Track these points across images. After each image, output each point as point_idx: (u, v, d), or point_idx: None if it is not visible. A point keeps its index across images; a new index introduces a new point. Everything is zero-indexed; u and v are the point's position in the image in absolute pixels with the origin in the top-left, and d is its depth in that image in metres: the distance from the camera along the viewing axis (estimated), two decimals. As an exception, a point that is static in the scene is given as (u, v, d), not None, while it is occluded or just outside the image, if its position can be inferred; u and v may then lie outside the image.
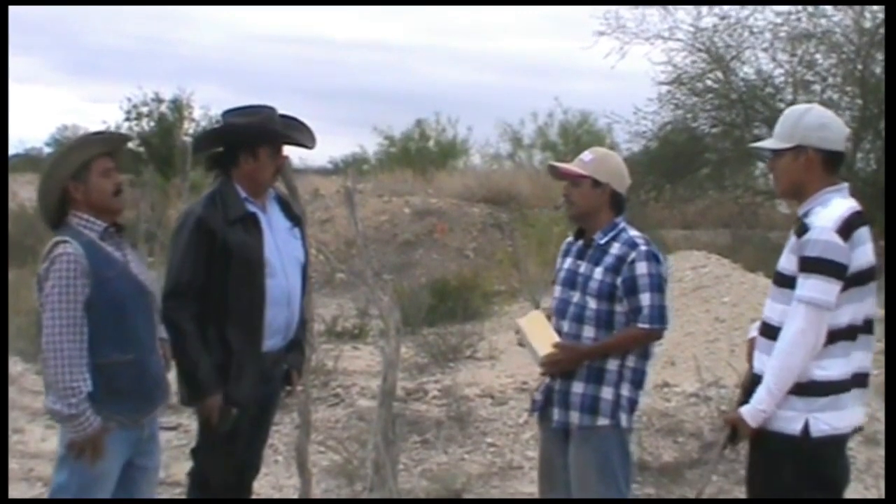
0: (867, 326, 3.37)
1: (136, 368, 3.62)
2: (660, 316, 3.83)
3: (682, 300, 9.42)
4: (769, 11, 14.12)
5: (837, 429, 3.32)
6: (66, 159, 3.62)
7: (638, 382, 3.91)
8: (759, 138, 3.29)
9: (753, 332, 3.59)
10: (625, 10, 14.68)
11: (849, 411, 3.35)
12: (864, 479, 5.93)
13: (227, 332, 3.97)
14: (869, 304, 3.37)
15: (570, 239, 4.11)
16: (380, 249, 15.41)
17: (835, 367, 3.30)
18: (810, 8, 13.89)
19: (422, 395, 7.49)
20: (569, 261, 4.03)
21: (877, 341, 3.51)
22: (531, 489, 5.75)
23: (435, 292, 12.04)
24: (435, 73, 75.57)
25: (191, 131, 23.61)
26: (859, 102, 13.74)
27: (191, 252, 3.96)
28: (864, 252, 3.30)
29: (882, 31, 12.57)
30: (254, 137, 4.06)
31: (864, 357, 3.39)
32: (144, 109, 25.10)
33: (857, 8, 13.61)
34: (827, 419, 3.29)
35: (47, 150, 39.23)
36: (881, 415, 6.17)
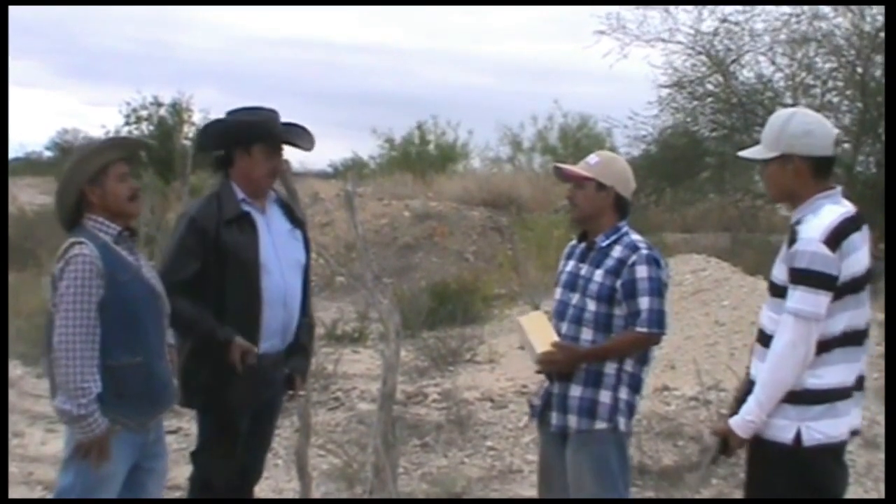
0: (864, 332, 3.33)
1: (144, 372, 3.63)
2: (658, 320, 3.82)
3: (681, 304, 9.42)
4: (770, 13, 14.13)
5: (832, 437, 3.26)
6: (85, 163, 3.64)
7: (636, 387, 3.90)
8: (759, 142, 3.27)
9: None
10: (626, 12, 14.68)
11: (845, 418, 3.29)
12: (864, 483, 5.93)
13: None
14: (865, 310, 3.32)
15: (573, 242, 4.11)
16: (380, 253, 15.43)
17: (830, 375, 3.25)
18: (808, 11, 13.90)
19: (422, 399, 7.50)
20: (571, 263, 4.03)
21: (876, 345, 3.50)
22: (531, 493, 5.74)
23: (435, 296, 12.04)
24: (435, 76, 75.72)
25: (190, 135, 23.62)
26: (859, 106, 13.73)
27: (182, 251, 4.00)
28: (858, 259, 3.24)
29: (882, 34, 12.58)
30: (248, 134, 4.10)
31: (861, 362, 3.35)
32: (144, 113, 25.19)
33: (857, 11, 13.62)
34: (820, 427, 3.24)
35: (47, 153, 39.36)
36: (881, 418, 6.18)
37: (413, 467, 6.36)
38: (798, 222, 3.29)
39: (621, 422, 3.84)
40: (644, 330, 3.81)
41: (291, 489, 5.85)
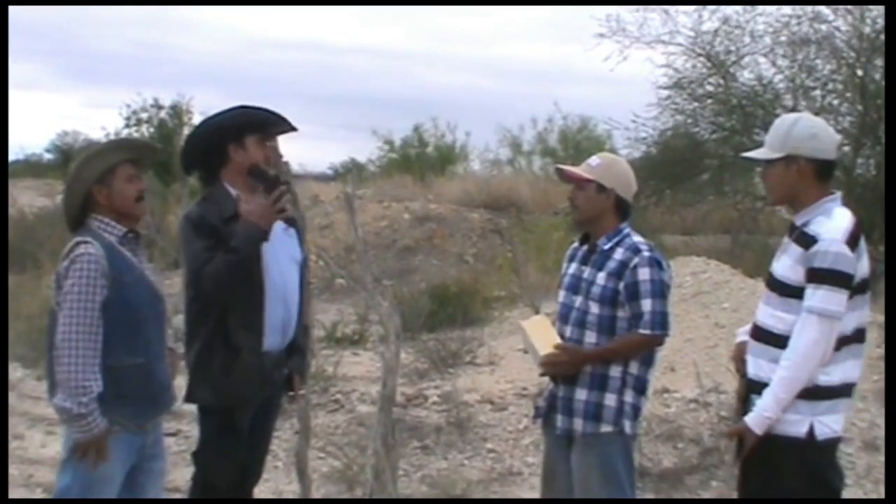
0: (865, 331, 3.43)
1: (143, 373, 3.63)
2: (661, 322, 3.82)
3: (681, 306, 9.42)
4: (770, 14, 14.13)
5: (837, 432, 3.38)
6: (93, 163, 3.65)
7: (641, 389, 3.91)
8: (759, 144, 3.30)
9: (743, 336, 3.61)
10: (626, 13, 14.66)
11: (844, 415, 3.43)
12: (864, 485, 5.92)
13: (229, 331, 3.99)
14: (867, 310, 3.43)
15: (575, 244, 4.11)
16: (379, 255, 15.43)
17: (838, 372, 3.35)
18: (810, 11, 13.89)
19: (422, 401, 7.49)
20: (573, 266, 4.02)
21: (875, 347, 3.54)
22: (531, 495, 5.75)
23: (435, 298, 12.03)
24: (434, 79, 75.58)
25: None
26: (859, 108, 13.73)
27: (199, 242, 3.97)
28: (866, 262, 3.36)
29: (882, 37, 12.59)
30: (237, 127, 4.11)
31: (858, 363, 3.44)
32: (144, 115, 25.14)
33: (857, 14, 13.62)
34: (829, 422, 3.35)
35: (47, 156, 39.34)
36: (881, 420, 6.18)
37: (413, 469, 6.36)
38: (806, 224, 3.37)
39: (627, 425, 3.85)
40: (647, 332, 3.82)
41: (291, 491, 5.85)
